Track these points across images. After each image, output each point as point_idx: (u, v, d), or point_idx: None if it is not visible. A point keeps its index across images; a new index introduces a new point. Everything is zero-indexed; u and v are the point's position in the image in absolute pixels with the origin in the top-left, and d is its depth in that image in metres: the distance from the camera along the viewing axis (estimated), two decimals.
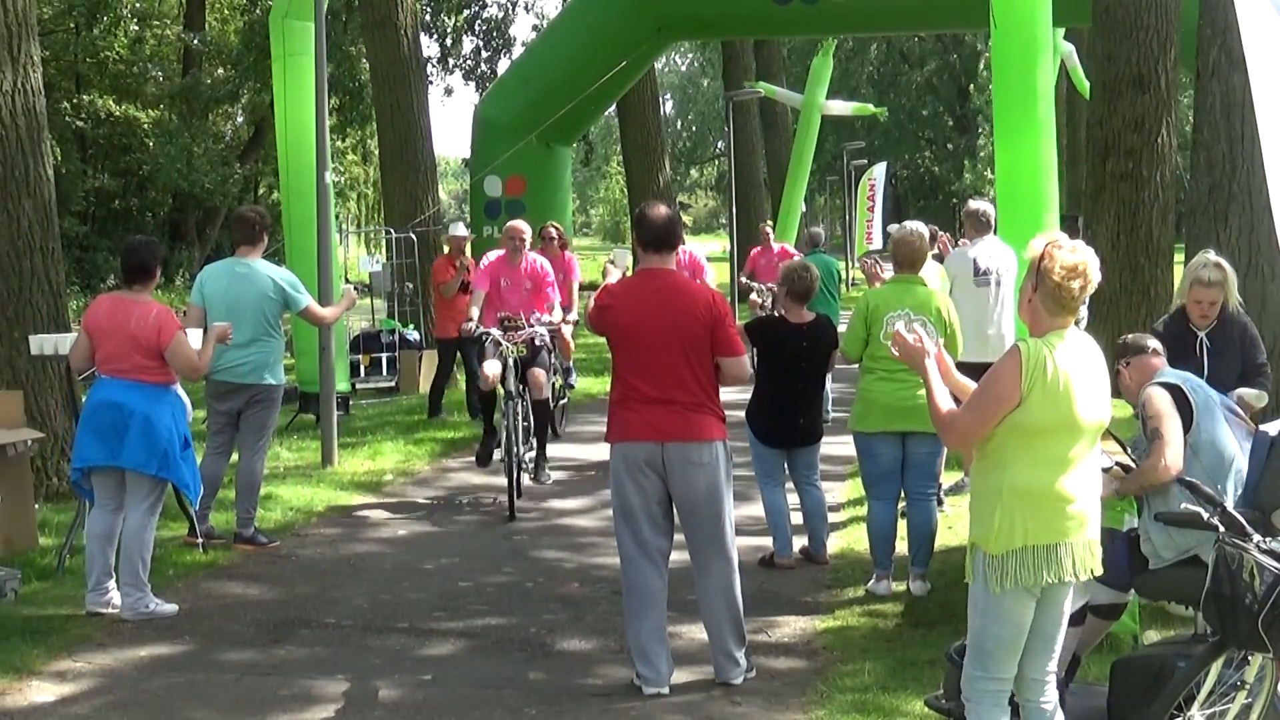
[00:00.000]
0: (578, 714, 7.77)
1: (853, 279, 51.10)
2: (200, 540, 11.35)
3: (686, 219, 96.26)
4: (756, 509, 11.50)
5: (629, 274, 9.04)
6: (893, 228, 10.85)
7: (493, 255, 14.37)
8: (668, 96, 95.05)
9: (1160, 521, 6.97)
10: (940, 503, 11.18)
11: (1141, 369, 7.61)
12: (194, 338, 10.21)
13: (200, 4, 49.48)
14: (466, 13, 53.53)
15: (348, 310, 13.01)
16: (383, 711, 7.84)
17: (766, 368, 10.87)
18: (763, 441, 10.90)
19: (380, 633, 9.29)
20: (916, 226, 10.63)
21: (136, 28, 46.91)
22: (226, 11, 52.90)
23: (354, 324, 22.10)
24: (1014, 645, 5.87)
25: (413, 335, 22.75)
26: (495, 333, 13.41)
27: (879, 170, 50.59)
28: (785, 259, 19.28)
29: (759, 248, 23.33)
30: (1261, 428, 6.98)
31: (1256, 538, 6.10)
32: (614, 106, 35.08)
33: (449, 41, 54.77)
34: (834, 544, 11.43)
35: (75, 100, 44.21)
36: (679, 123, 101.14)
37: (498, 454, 13.84)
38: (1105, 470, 7.43)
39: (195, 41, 46.88)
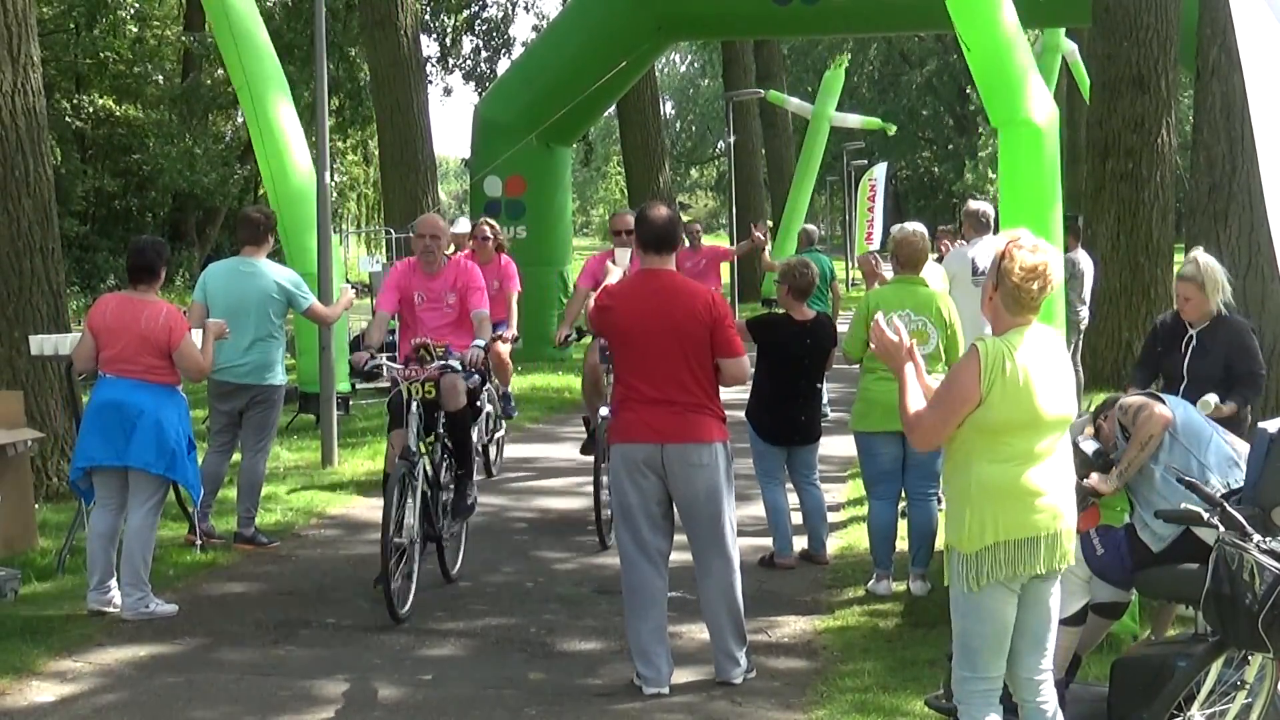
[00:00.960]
0: (578, 714, 7.77)
1: (852, 279, 51.08)
2: (199, 540, 11.34)
3: (687, 219, 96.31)
4: (756, 509, 11.50)
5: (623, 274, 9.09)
6: (895, 228, 10.83)
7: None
8: (667, 97, 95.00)
9: (1161, 519, 6.97)
10: (941, 502, 11.18)
11: (1114, 421, 7.65)
12: (195, 337, 10.22)
13: (200, 5, 49.42)
14: (466, 13, 53.46)
15: (347, 309, 12.96)
16: (382, 711, 7.84)
17: (767, 365, 10.87)
18: (764, 439, 10.90)
19: (380, 633, 9.29)
20: (917, 227, 10.65)
21: (135, 29, 46.86)
22: None
23: (354, 324, 22.07)
24: (999, 643, 5.87)
25: None
26: (388, 364, 10.39)
27: (879, 170, 50.51)
28: (718, 259, 19.20)
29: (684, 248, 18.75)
30: (1261, 425, 6.99)
31: (1257, 537, 6.11)
32: (614, 107, 35.05)
33: (449, 41, 54.70)
34: (834, 544, 11.43)
35: (75, 100, 44.18)
36: (679, 123, 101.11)
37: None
38: (1091, 455, 7.46)
39: (195, 43, 46.84)
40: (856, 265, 52.20)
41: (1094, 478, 7.39)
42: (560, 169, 27.05)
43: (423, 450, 10.10)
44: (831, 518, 11.71)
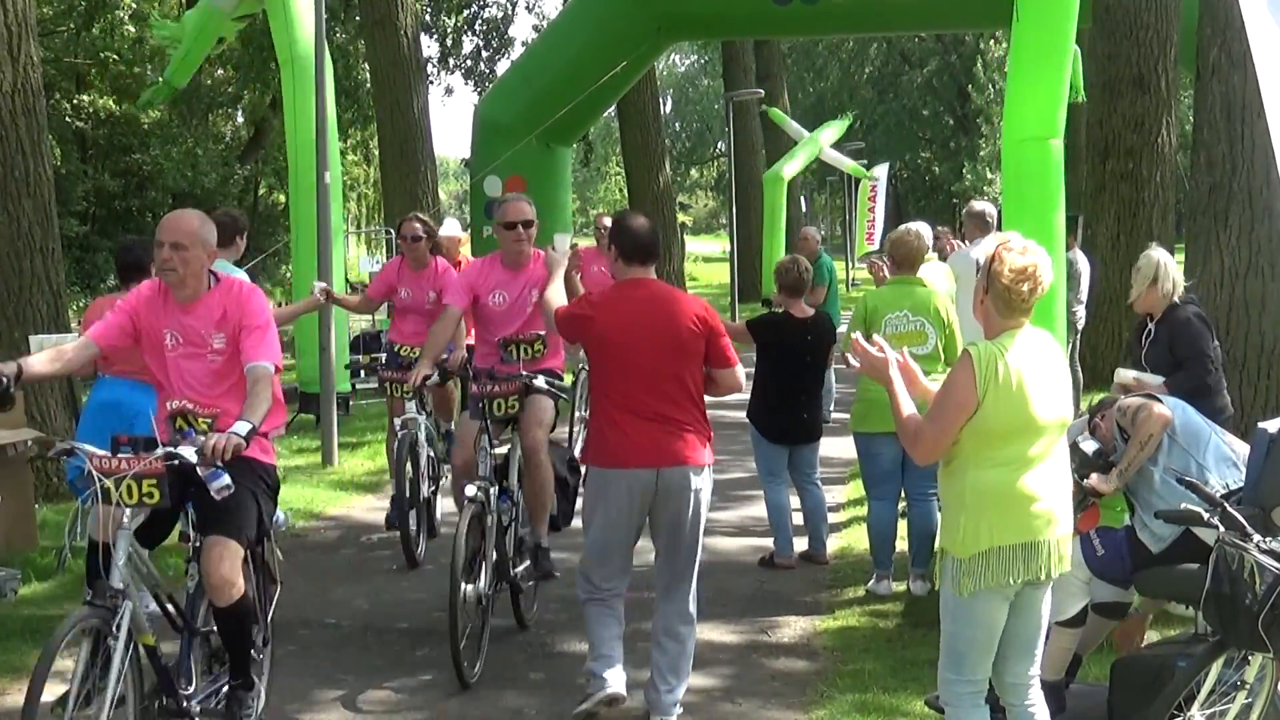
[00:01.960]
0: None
1: (853, 279, 51.07)
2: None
3: (686, 219, 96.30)
4: (756, 509, 11.50)
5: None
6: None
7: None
8: (667, 97, 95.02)
9: (1161, 519, 6.97)
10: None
11: (1112, 421, 7.66)
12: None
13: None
14: (466, 12, 53.51)
15: (309, 311, 12.84)
16: (383, 711, 7.85)
17: (769, 364, 10.89)
18: (767, 438, 10.91)
19: (380, 633, 9.30)
20: (918, 226, 10.66)
21: (133, 29, 46.88)
22: None
23: (355, 324, 22.09)
24: (987, 647, 5.86)
25: None
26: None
27: (880, 171, 50.59)
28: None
29: (593, 247, 16.20)
30: (1261, 426, 6.99)
31: (1257, 537, 6.11)
32: (614, 107, 35.04)
33: (449, 41, 54.74)
34: (834, 544, 11.44)
35: (75, 100, 44.19)
36: (679, 123, 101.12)
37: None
38: (1091, 454, 7.47)
39: None
40: (858, 266, 52.28)
41: (1094, 478, 7.40)
42: (560, 169, 27.01)
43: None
44: (832, 518, 11.73)
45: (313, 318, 16.06)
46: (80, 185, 42.66)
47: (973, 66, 71.20)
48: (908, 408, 5.90)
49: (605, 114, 37.22)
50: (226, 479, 6.58)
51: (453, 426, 12.12)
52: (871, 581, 10.18)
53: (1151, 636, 8.38)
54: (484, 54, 56.37)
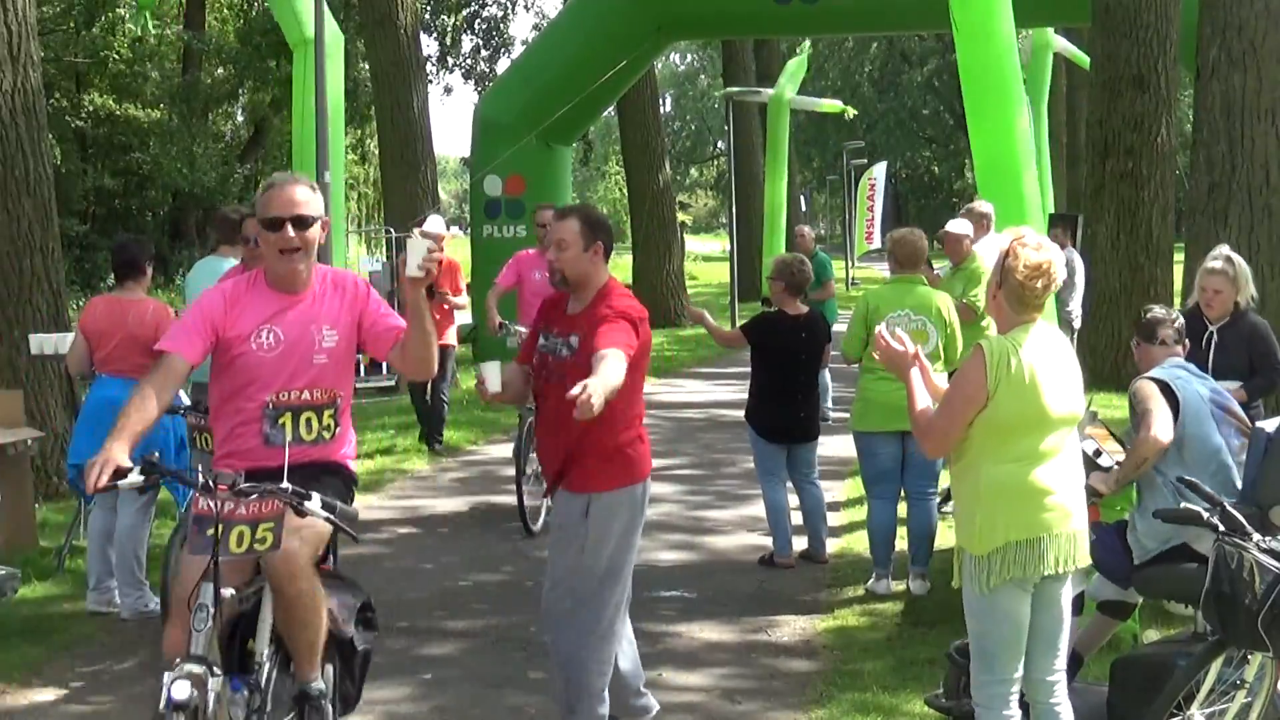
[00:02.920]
0: None
1: (853, 279, 51.08)
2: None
3: (686, 218, 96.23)
4: (754, 509, 11.49)
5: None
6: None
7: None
8: (667, 96, 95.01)
9: (1159, 519, 6.97)
10: (946, 500, 11.18)
11: (1145, 356, 7.63)
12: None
13: (200, 3, 49.48)
14: (466, 11, 53.51)
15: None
16: (382, 710, 7.85)
17: (765, 363, 10.88)
18: (765, 438, 10.90)
19: (380, 632, 9.28)
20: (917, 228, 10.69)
21: (133, 26, 46.89)
22: (226, 11, 52.91)
23: None
24: (1016, 643, 5.84)
25: None
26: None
27: (879, 170, 50.62)
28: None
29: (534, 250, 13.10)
30: (1258, 425, 7.00)
31: (1256, 537, 6.11)
32: (613, 106, 35.04)
33: (449, 40, 54.74)
34: (833, 543, 11.44)
35: (75, 100, 44.20)
36: (678, 122, 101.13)
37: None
38: (1106, 469, 7.45)
39: (194, 40, 46.85)
40: (858, 265, 52.28)
41: (1093, 477, 7.39)
42: (560, 168, 27.02)
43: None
44: (831, 518, 11.71)
45: None
46: (80, 184, 42.67)
47: None
48: (922, 402, 5.91)
49: (605, 113, 37.23)
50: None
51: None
52: (871, 581, 10.17)
53: (1151, 635, 8.38)
54: (483, 53, 56.37)
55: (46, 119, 13.51)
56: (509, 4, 56.24)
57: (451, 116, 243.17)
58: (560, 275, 6.79)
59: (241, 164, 49.70)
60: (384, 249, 26.82)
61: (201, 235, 49.07)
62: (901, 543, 10.37)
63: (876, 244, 45.84)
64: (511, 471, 12.54)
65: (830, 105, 47.02)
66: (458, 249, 15.60)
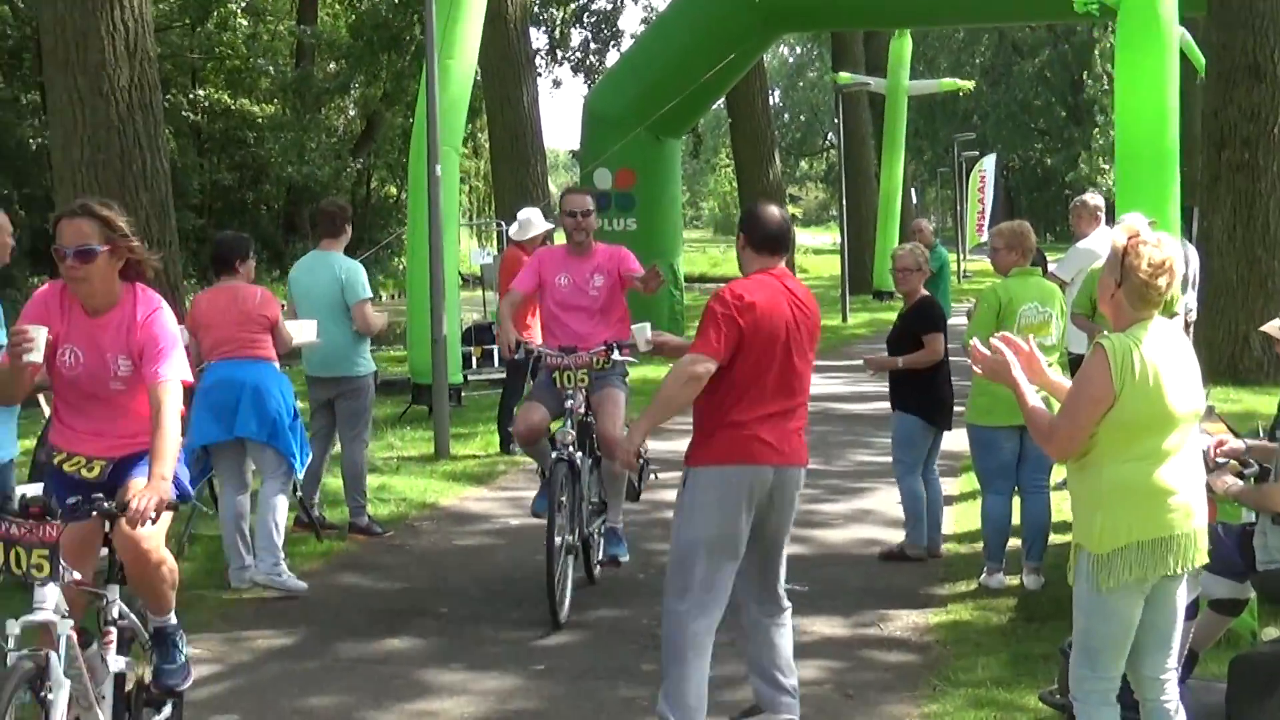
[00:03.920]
0: None
1: (965, 271, 50.69)
2: (317, 530, 11.47)
3: (796, 211, 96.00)
4: (865, 501, 11.44)
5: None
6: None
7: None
8: (776, 88, 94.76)
9: None
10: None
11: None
12: (292, 329, 10.58)
13: None
14: (575, 5, 53.67)
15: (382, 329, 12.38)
16: (495, 700, 7.89)
17: (942, 347, 10.82)
18: (935, 424, 10.80)
19: (493, 623, 9.34)
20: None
21: (246, 23, 47.39)
22: (338, 6, 53.39)
23: (466, 316, 22.22)
24: (1122, 644, 5.78)
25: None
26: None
27: (989, 162, 50.27)
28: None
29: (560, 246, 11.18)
30: None
31: None
32: (723, 98, 35.02)
33: (558, 34, 54.92)
34: (946, 537, 11.37)
35: (191, 95, 44.75)
36: (788, 114, 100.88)
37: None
38: (1221, 465, 7.34)
39: (307, 35, 47.30)
40: (968, 257, 51.88)
41: (1210, 476, 7.29)
42: (670, 161, 27.07)
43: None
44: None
45: (424, 308, 16.19)
46: (196, 178, 43.20)
47: (1086, 56, 70.59)
48: (1034, 403, 5.86)
49: (714, 105, 37.21)
50: None
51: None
52: (984, 575, 10.10)
53: (1271, 633, 8.28)
54: (593, 46, 56.55)
55: (163, 114, 13.67)
56: None
57: (561, 110, 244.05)
58: None
59: (354, 158, 50.14)
60: (494, 242, 26.99)
61: (315, 228, 49.75)
62: (1015, 537, 10.29)
63: (986, 236, 45.52)
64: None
65: (948, 83, 46.79)
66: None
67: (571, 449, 9.39)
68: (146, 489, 5.84)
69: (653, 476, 10.11)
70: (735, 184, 48.89)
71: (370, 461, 12.74)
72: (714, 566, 6.87)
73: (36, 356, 5.96)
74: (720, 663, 7.41)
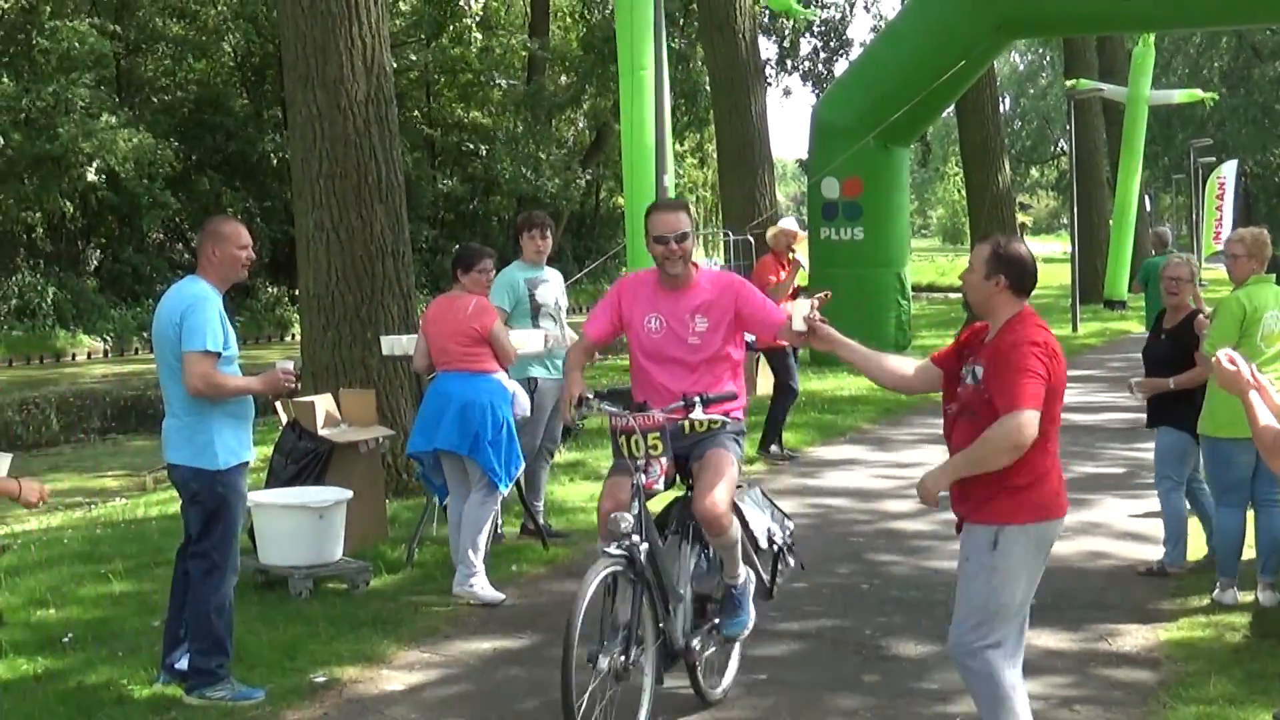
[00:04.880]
0: (911, 718, 7.74)
1: (1201, 280, 49.57)
2: (543, 537, 11.59)
3: (1026, 220, 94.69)
4: (1091, 514, 11.24)
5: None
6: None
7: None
8: (1006, 94, 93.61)
9: None
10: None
11: None
12: (513, 337, 10.69)
13: (544, 12, 50.62)
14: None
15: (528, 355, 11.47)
16: (716, 709, 7.92)
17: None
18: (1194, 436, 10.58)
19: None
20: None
21: (479, 37, 48.15)
22: (569, 19, 54.01)
23: None
24: None
25: (749, 337, 22.87)
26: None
27: (1228, 168, 49.07)
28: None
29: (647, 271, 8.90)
30: None
31: None
32: (952, 106, 34.73)
33: (787, 43, 54.94)
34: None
35: (426, 108, 45.58)
36: (1018, 121, 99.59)
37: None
38: None
39: (539, 49, 47.91)
40: (1205, 265, 50.67)
41: None
42: (898, 170, 26.91)
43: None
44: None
45: None
46: (429, 190, 43.99)
47: None
48: (1265, 418, 5.73)
49: (944, 114, 36.91)
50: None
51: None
52: (1216, 591, 9.88)
53: None
54: (822, 55, 56.48)
55: (398, 127, 13.94)
56: (847, 6, 56.23)
57: (788, 118, 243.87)
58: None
59: (584, 169, 50.64)
60: (721, 251, 27.05)
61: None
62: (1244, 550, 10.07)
63: (1223, 245, 44.48)
64: (854, 477, 12.47)
65: (1188, 94, 45.79)
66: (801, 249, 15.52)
67: (634, 540, 7.09)
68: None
69: (793, 565, 8.30)
70: (964, 192, 48.36)
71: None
72: (1024, 614, 6.59)
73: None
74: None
